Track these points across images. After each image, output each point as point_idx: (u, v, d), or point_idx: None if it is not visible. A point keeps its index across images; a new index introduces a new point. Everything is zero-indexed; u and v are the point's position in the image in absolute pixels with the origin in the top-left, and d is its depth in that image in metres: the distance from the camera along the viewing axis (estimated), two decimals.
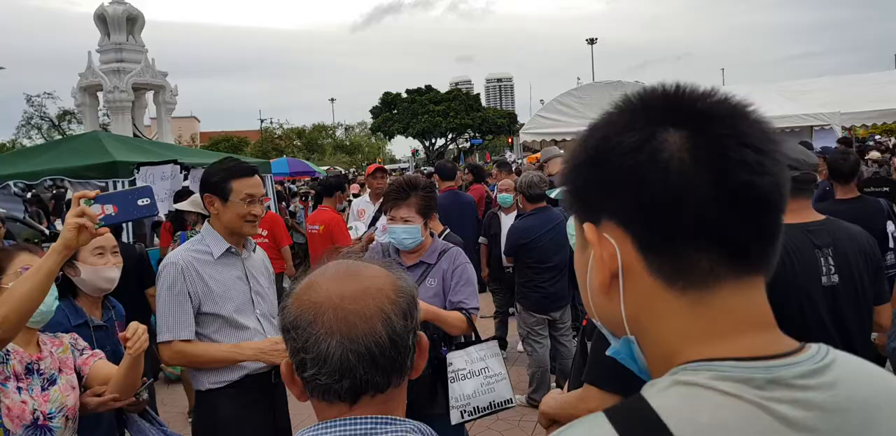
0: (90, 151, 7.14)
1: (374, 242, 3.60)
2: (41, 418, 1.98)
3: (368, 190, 6.40)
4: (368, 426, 0.91)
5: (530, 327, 4.94)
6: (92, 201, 1.77)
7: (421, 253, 2.85)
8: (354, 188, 12.60)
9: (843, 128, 12.76)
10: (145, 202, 1.85)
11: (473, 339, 2.82)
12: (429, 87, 61.30)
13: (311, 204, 10.65)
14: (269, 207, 9.05)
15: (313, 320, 0.91)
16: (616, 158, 0.68)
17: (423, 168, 29.63)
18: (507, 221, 5.67)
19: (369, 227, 5.91)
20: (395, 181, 2.91)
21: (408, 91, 60.30)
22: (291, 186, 19.01)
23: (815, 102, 12.89)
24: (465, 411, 2.66)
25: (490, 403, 2.71)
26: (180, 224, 5.65)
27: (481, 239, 6.01)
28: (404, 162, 54.97)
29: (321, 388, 0.92)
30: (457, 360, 2.69)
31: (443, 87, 65.91)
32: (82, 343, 2.23)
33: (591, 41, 58.05)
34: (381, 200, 6.05)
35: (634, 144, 0.66)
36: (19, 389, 1.98)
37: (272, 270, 2.80)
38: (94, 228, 1.75)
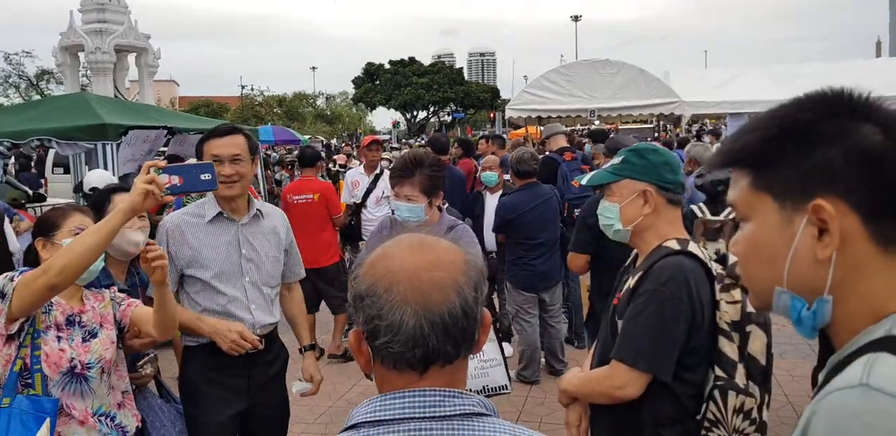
0: (78, 112, 7.04)
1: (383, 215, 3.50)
2: (79, 366, 2.07)
3: (362, 162, 6.43)
4: (437, 398, 0.93)
5: (520, 305, 4.97)
6: (161, 171, 1.89)
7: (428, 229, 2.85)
8: (341, 159, 12.58)
9: None
10: (207, 177, 1.97)
11: None
12: (412, 59, 60.65)
13: (296, 172, 10.66)
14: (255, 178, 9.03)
15: (388, 288, 0.93)
16: (845, 141, 0.83)
17: (411, 141, 29.47)
18: (491, 201, 5.53)
19: (363, 199, 5.96)
20: (401, 157, 2.86)
21: (391, 62, 59.61)
22: (274, 154, 18.89)
23: (799, 88, 12.98)
24: None
25: (483, 387, 2.72)
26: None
27: (466, 221, 6.01)
28: (385, 133, 54.61)
29: (393, 356, 0.94)
30: None
31: (426, 60, 65.31)
32: (120, 296, 2.29)
33: (576, 18, 57.71)
34: (374, 172, 6.13)
35: (869, 131, 0.83)
36: (59, 338, 2.06)
37: (285, 237, 2.72)
38: (160, 195, 1.86)
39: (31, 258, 2.23)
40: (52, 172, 12.60)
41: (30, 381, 2.01)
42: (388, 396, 0.95)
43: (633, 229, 1.94)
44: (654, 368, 1.77)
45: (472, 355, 2.91)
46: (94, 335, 2.15)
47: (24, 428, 1.90)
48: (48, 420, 1.94)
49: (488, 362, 2.74)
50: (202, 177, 1.96)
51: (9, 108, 11.06)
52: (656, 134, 20.34)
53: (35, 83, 35.06)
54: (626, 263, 2.11)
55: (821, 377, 0.95)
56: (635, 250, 2.05)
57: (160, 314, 2.12)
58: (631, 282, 1.89)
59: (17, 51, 34.78)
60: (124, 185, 2.79)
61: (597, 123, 15.18)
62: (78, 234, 2.09)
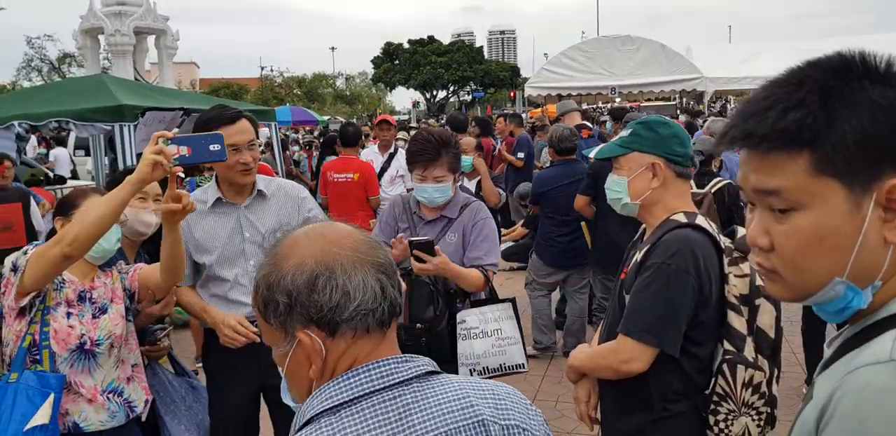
0: (95, 94, 7.07)
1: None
2: (88, 342, 2.09)
3: (375, 141, 6.40)
4: (391, 366, 0.98)
5: (537, 275, 5.03)
6: (169, 142, 1.86)
7: (443, 207, 2.79)
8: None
9: None
10: (216, 148, 1.92)
11: (490, 297, 2.77)
12: (431, 38, 60.17)
13: (315, 154, 10.66)
14: (271, 156, 9.06)
15: (337, 260, 0.96)
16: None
17: (424, 120, 29.36)
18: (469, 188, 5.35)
19: (378, 178, 5.94)
20: (423, 139, 2.73)
21: (410, 42, 59.21)
22: (293, 134, 18.92)
23: None
24: (474, 370, 2.65)
25: (500, 365, 2.69)
26: (188, 169, 5.67)
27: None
28: (404, 114, 54.46)
29: (366, 317, 0.96)
30: (469, 318, 2.66)
31: (445, 39, 64.74)
32: (126, 267, 2.32)
33: None
34: (389, 151, 6.11)
35: None
36: (69, 314, 2.08)
37: (296, 212, 2.63)
38: (169, 166, 1.84)
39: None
40: (74, 154, 12.74)
41: (38, 357, 2.04)
42: (338, 379, 0.97)
43: (642, 203, 1.90)
44: (660, 341, 1.75)
45: (489, 333, 2.83)
46: (104, 311, 2.17)
47: (29, 403, 1.93)
48: (52, 396, 1.97)
49: (506, 340, 2.70)
50: (211, 148, 1.92)
51: (26, 90, 11.18)
52: (678, 111, 20.05)
53: (57, 66, 35.50)
54: (634, 238, 2.07)
55: (827, 351, 0.91)
56: (643, 225, 2.01)
57: (168, 255, 2.10)
58: (638, 256, 1.86)
59: (39, 35, 35.26)
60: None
61: (618, 100, 14.99)
62: None
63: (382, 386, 0.96)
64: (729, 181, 4.09)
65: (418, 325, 2.61)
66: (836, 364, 0.83)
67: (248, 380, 2.56)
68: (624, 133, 1.97)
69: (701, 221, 1.85)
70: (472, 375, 2.64)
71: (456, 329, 2.66)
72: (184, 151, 1.87)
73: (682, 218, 1.84)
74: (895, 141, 0.76)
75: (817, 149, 0.77)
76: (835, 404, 0.74)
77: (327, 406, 0.95)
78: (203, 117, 2.47)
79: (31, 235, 4.94)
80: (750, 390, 1.77)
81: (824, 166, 0.77)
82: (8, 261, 2.05)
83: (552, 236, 4.92)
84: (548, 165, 5.58)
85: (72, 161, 12.66)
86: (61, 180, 8.86)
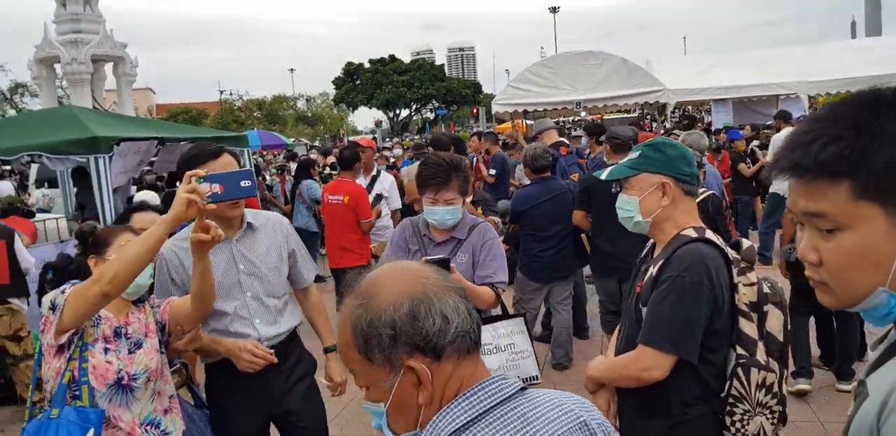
0: (67, 126, 6.94)
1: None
2: (126, 378, 2.11)
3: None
4: (495, 385, 1.08)
5: (524, 293, 5.13)
6: (202, 180, 1.90)
7: (452, 229, 2.85)
8: (330, 160, 12.52)
9: (808, 97, 13.09)
10: (247, 184, 1.97)
11: (501, 314, 2.84)
12: (392, 57, 60.53)
13: (288, 178, 10.61)
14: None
15: (427, 292, 1.04)
16: None
17: (396, 139, 29.37)
18: None
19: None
20: (434, 163, 2.78)
21: (371, 61, 59.46)
22: (260, 158, 18.79)
23: (780, 72, 13.18)
24: None
25: (515, 378, 2.75)
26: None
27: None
28: (367, 133, 54.47)
29: (465, 338, 1.05)
30: (483, 334, 2.69)
31: (405, 57, 65.18)
32: (158, 301, 2.34)
33: (554, 10, 57.71)
34: (371, 173, 6.15)
35: None
36: (106, 350, 2.11)
37: (285, 244, 2.67)
38: (202, 204, 1.88)
39: (82, 274, 2.28)
40: (35, 188, 12.44)
41: (77, 393, 2.06)
42: (459, 400, 1.05)
43: (653, 221, 2.00)
44: (679, 350, 1.86)
45: (503, 348, 2.89)
46: (139, 346, 2.19)
47: None
48: (92, 431, 1.99)
49: (519, 354, 2.77)
50: (242, 184, 1.97)
51: None
52: (641, 123, 20.47)
53: (9, 97, 34.67)
54: (644, 253, 2.17)
55: (874, 353, 1.00)
56: (652, 240, 2.11)
57: (200, 283, 2.14)
58: (653, 270, 1.96)
59: None
60: (146, 204, 2.79)
61: (583, 114, 15.24)
62: None
63: (498, 401, 1.05)
64: (713, 192, 4.26)
65: None
66: (888, 363, 0.93)
67: (256, 410, 2.58)
68: (633, 155, 2.07)
69: (710, 235, 1.96)
70: None
71: None
72: (216, 188, 1.92)
73: (692, 233, 1.95)
74: None
75: (855, 178, 0.87)
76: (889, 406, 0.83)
77: (456, 426, 1.01)
78: (186, 155, 2.49)
79: (15, 273, 4.83)
80: (763, 390, 1.88)
81: (863, 193, 0.87)
82: (46, 300, 2.07)
83: (534, 252, 5.05)
84: (526, 182, 5.69)
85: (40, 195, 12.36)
86: (29, 214, 8.65)
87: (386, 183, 6.25)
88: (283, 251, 2.64)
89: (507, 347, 2.76)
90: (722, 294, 1.88)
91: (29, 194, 11.74)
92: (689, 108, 26.14)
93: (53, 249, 6.24)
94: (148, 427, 2.17)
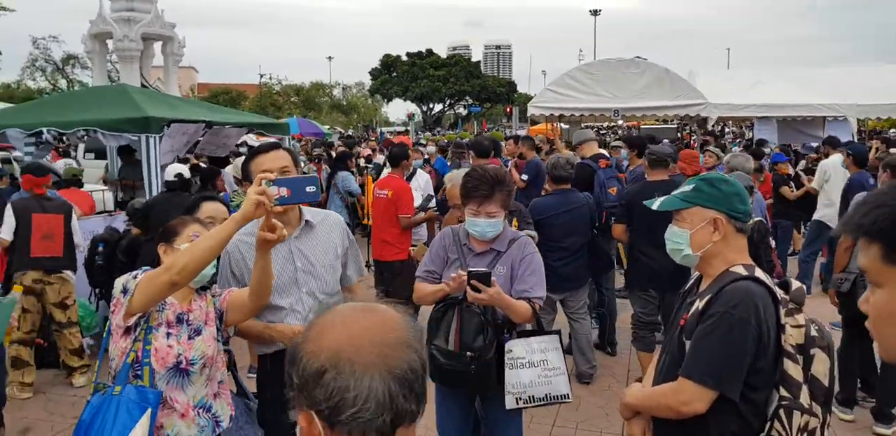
0: (121, 105, 7.17)
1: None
2: (184, 362, 2.24)
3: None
4: None
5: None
6: (271, 183, 2.00)
7: (493, 240, 2.89)
8: (364, 152, 12.67)
9: (857, 120, 12.84)
10: (311, 189, 2.08)
11: (536, 329, 2.88)
12: (430, 52, 60.59)
13: (324, 166, 10.78)
14: None
15: (351, 358, 0.92)
16: None
17: (428, 133, 29.42)
18: None
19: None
20: (478, 176, 2.83)
21: (408, 54, 59.58)
22: (296, 144, 19.01)
23: (828, 92, 12.93)
24: (520, 399, 2.75)
25: (546, 395, 2.78)
26: (185, 185, 5.79)
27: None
28: (399, 125, 54.61)
29: (362, 426, 0.92)
30: (517, 348, 2.77)
31: (442, 52, 65.16)
32: (219, 291, 2.47)
33: (595, 12, 57.27)
34: (408, 171, 6.23)
35: None
36: (168, 334, 2.24)
37: (340, 243, 2.75)
38: (270, 206, 1.99)
39: (150, 261, 2.41)
40: (84, 157, 12.85)
41: (139, 373, 2.18)
42: None
43: (703, 257, 2.03)
44: (721, 385, 1.87)
45: (536, 363, 2.91)
46: (198, 333, 2.31)
47: (129, 416, 2.07)
48: (149, 411, 2.10)
49: (552, 371, 2.79)
50: (307, 189, 2.07)
51: (52, 98, 11.25)
52: (679, 134, 20.31)
53: (61, 67, 35.49)
54: (688, 286, 2.20)
55: None
56: (697, 273, 2.15)
57: (258, 278, 2.25)
58: (699, 304, 1.97)
59: (45, 35, 35.29)
60: (212, 195, 2.92)
61: (620, 121, 15.20)
62: (194, 240, 2.26)
63: None
64: (759, 219, 4.23)
65: (468, 353, 2.74)
66: None
67: None
68: (686, 187, 2.09)
69: (760, 274, 1.98)
70: (517, 403, 2.75)
71: (504, 358, 2.76)
72: (283, 191, 2.02)
73: (741, 270, 1.97)
74: None
75: (884, 242, 0.96)
76: None
77: None
78: (252, 150, 2.66)
79: (68, 247, 5.05)
80: (805, 434, 1.88)
81: (891, 256, 0.95)
82: (118, 283, 2.19)
83: (547, 262, 4.97)
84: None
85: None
86: (78, 184, 8.96)
87: (422, 181, 6.37)
88: (338, 249, 2.73)
89: (540, 362, 2.78)
90: (768, 333, 1.89)
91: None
92: (730, 122, 25.89)
93: (101, 221, 6.46)
94: (200, 410, 2.28)
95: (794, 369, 1.91)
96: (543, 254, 4.97)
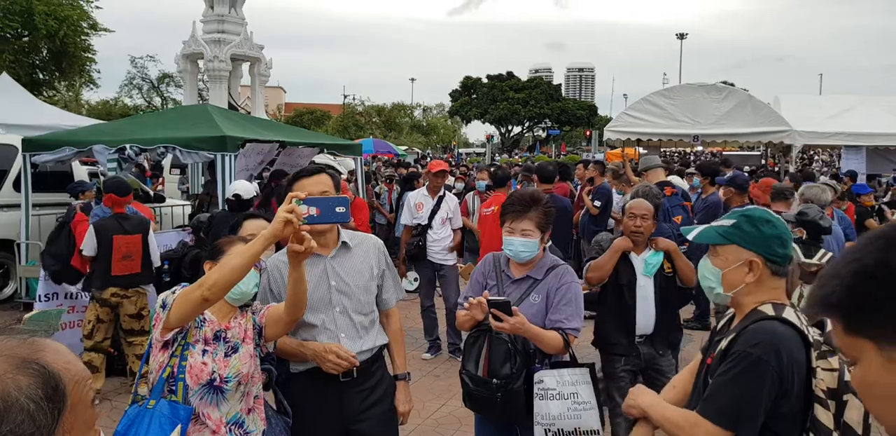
0: (200, 124, 7.51)
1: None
2: (218, 379, 2.26)
3: (426, 184, 6.67)
4: None
5: None
6: (301, 202, 2.02)
7: (531, 266, 2.86)
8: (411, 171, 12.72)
9: None
10: (341, 210, 2.09)
11: (569, 360, 2.81)
12: (510, 74, 60.90)
13: (395, 187, 10.92)
14: (355, 188, 9.37)
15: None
16: None
17: (505, 155, 29.54)
18: None
19: (429, 220, 6.25)
20: (517, 196, 2.88)
21: (488, 76, 60.07)
22: (373, 163, 19.40)
23: None
24: (549, 430, 2.67)
25: (575, 429, 2.69)
26: (242, 204, 5.93)
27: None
28: (479, 146, 54.97)
29: None
30: (547, 378, 2.70)
31: (524, 74, 65.38)
32: (259, 306, 2.50)
33: (681, 36, 56.22)
34: (438, 194, 6.36)
35: None
36: (204, 351, 2.27)
37: (376, 265, 2.77)
38: (298, 224, 2.00)
39: (196, 266, 2.48)
40: (170, 173, 13.52)
41: (174, 387, 2.23)
42: None
43: (734, 296, 1.93)
44: (735, 427, 1.78)
45: (566, 396, 2.81)
46: (235, 350, 2.34)
47: (160, 430, 2.12)
48: (179, 426, 2.14)
49: (582, 405, 2.69)
50: (337, 209, 2.08)
51: (137, 117, 11.97)
52: (763, 161, 19.54)
53: (156, 85, 37.75)
54: (720, 324, 2.10)
55: None
56: (732, 310, 2.04)
57: (293, 291, 2.27)
58: (724, 343, 1.89)
59: (143, 55, 37.68)
60: (257, 213, 2.98)
61: (700, 148, 14.77)
62: None
63: None
64: (831, 255, 4.02)
65: (494, 380, 2.68)
66: None
67: (332, 424, 2.66)
68: (726, 221, 1.98)
69: (789, 313, 1.86)
70: (546, 435, 2.68)
71: (533, 388, 2.69)
72: (313, 211, 2.03)
73: (769, 310, 1.86)
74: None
75: (841, 314, 0.90)
76: None
77: None
78: (295, 173, 2.70)
79: (146, 263, 5.27)
80: None
81: (852, 329, 0.89)
82: (160, 298, 2.27)
83: None
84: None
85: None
86: (160, 199, 9.39)
87: (451, 204, 6.46)
88: (374, 271, 2.74)
89: (570, 395, 2.69)
90: (792, 378, 1.78)
91: (163, 181, 12.77)
92: (820, 150, 24.72)
93: (175, 235, 6.72)
94: (232, 427, 2.31)
95: (824, 416, 1.79)
96: None
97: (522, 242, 2.78)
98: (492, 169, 8.32)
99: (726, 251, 1.94)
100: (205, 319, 2.30)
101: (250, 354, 2.36)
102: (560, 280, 2.82)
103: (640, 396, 2.09)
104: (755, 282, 1.90)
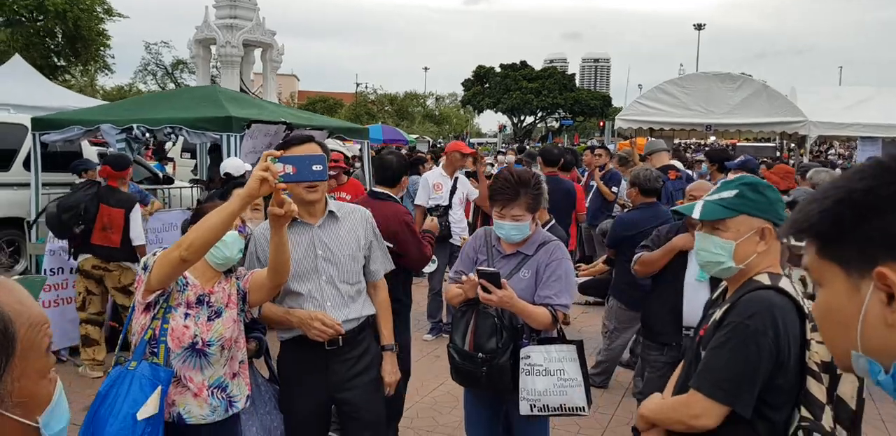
0: (207, 105, 7.50)
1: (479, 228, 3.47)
2: (200, 343, 2.27)
3: (442, 163, 6.67)
4: None
5: (619, 322, 4.96)
6: (276, 160, 2.00)
7: (522, 242, 2.85)
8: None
9: None
10: (318, 168, 2.07)
11: (557, 336, 2.77)
12: (523, 64, 60.49)
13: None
14: (362, 172, 9.34)
15: None
16: None
17: (515, 145, 29.46)
18: None
19: (450, 200, 6.20)
20: (504, 178, 2.80)
21: (501, 66, 59.73)
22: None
23: None
24: (534, 406, 2.67)
25: (561, 405, 2.68)
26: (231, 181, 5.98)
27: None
28: (491, 136, 54.81)
29: None
30: (534, 354, 2.68)
31: (539, 64, 65.00)
32: (243, 271, 2.51)
33: (699, 27, 55.48)
34: (456, 175, 6.32)
35: None
36: (186, 315, 2.28)
37: (364, 236, 2.78)
38: (274, 182, 1.98)
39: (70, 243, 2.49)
40: (181, 157, 13.56)
41: (155, 350, 2.24)
42: None
43: (745, 266, 1.87)
44: (731, 400, 1.74)
45: (552, 372, 2.83)
46: (218, 314, 2.34)
47: (140, 391, 2.14)
48: (160, 388, 2.15)
49: (568, 382, 2.67)
50: (314, 167, 2.05)
51: (146, 97, 12.02)
52: (778, 153, 19.33)
53: (170, 72, 37.89)
54: (715, 296, 2.05)
55: None
56: (724, 283, 1.99)
57: (275, 255, 2.25)
58: (718, 314, 1.84)
59: (157, 41, 37.85)
60: (244, 180, 2.98)
61: (712, 138, 14.62)
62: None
63: None
64: None
65: (480, 354, 2.68)
66: None
67: (316, 391, 2.68)
68: (726, 193, 1.91)
69: (785, 283, 1.82)
70: (532, 410, 2.67)
71: (519, 364, 2.68)
72: (289, 169, 2.00)
73: (765, 279, 1.82)
74: (885, 232, 0.83)
75: (818, 237, 0.91)
76: None
77: None
78: (283, 141, 2.69)
79: (126, 240, 5.25)
80: None
81: (825, 253, 0.90)
82: (142, 261, 2.27)
83: (634, 280, 4.68)
84: (628, 202, 5.51)
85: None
86: (169, 181, 9.44)
87: (465, 183, 6.49)
88: (361, 241, 2.74)
89: (556, 371, 2.67)
90: (788, 349, 1.73)
91: (174, 165, 12.83)
92: (836, 142, 24.43)
93: (180, 214, 6.75)
94: (215, 390, 2.31)
95: (816, 389, 1.75)
96: (631, 272, 4.62)
97: (513, 226, 2.75)
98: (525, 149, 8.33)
99: (736, 223, 1.88)
100: (187, 282, 2.29)
101: (234, 319, 2.36)
102: (550, 256, 2.79)
103: (641, 407, 2.02)
104: (765, 250, 1.85)
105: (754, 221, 1.85)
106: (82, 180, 6.24)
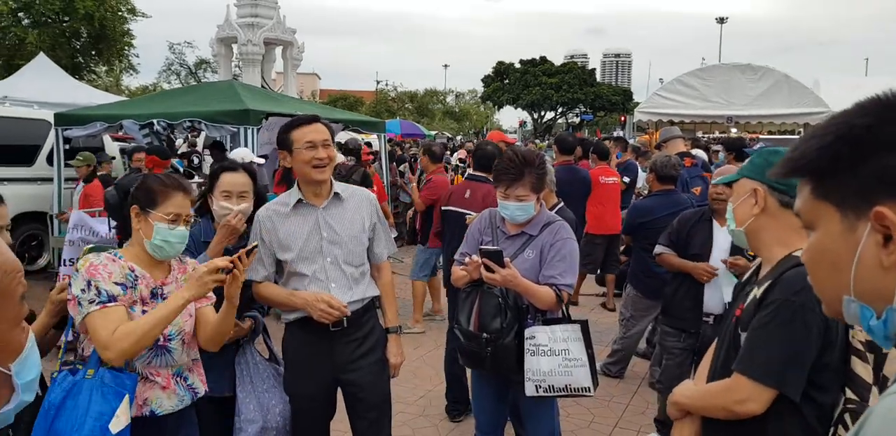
0: (226, 98, 7.61)
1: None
2: (161, 339, 2.10)
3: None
4: None
5: (636, 310, 4.93)
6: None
7: (526, 223, 2.83)
8: (461, 154, 12.73)
9: None
10: None
11: (562, 317, 2.77)
12: (543, 59, 60.12)
13: (417, 166, 10.95)
14: (379, 166, 9.38)
15: None
16: None
17: (537, 141, 29.41)
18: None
19: None
20: (508, 158, 2.77)
21: (521, 62, 59.41)
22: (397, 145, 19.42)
23: None
24: (539, 386, 2.65)
25: (566, 385, 2.67)
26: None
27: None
28: (511, 132, 54.59)
29: None
30: (539, 334, 2.67)
31: (560, 60, 64.64)
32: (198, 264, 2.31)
33: (721, 20, 54.74)
34: None
35: None
36: (144, 312, 2.10)
37: (368, 217, 2.75)
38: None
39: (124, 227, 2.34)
40: (203, 152, 13.70)
41: None
42: None
43: (748, 233, 1.85)
44: (780, 383, 1.64)
45: (557, 352, 2.83)
46: None
47: (104, 401, 1.94)
48: (127, 397, 1.98)
49: (573, 361, 2.66)
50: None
51: (166, 92, 12.20)
52: None
53: (194, 71, 38.33)
54: (748, 274, 1.99)
55: (892, 378, 0.95)
56: (759, 259, 1.94)
57: (218, 325, 2.21)
58: (757, 292, 1.75)
59: (181, 41, 38.30)
60: (235, 164, 2.92)
61: (734, 130, 14.45)
62: (173, 221, 2.15)
63: None
64: None
65: (484, 334, 2.68)
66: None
67: (321, 373, 2.67)
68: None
69: None
70: (537, 391, 2.67)
71: (524, 344, 2.68)
72: None
73: None
74: (885, 171, 0.79)
75: (812, 175, 0.87)
76: (866, 426, 0.78)
77: None
78: (282, 126, 2.67)
79: None
80: None
81: (820, 192, 0.86)
82: (79, 263, 2.12)
83: (650, 268, 4.74)
84: (646, 191, 5.49)
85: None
86: (189, 175, 9.56)
87: None
88: (365, 223, 2.73)
89: (561, 351, 2.66)
90: (836, 325, 1.63)
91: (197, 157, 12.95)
92: None
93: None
94: (179, 379, 2.21)
95: (861, 368, 1.64)
96: (647, 260, 4.69)
97: (518, 206, 2.75)
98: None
99: (738, 186, 1.91)
100: (137, 276, 2.12)
101: (189, 312, 2.21)
102: (555, 236, 2.78)
103: (673, 395, 1.92)
104: (764, 214, 1.81)
105: (748, 183, 1.85)
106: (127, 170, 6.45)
